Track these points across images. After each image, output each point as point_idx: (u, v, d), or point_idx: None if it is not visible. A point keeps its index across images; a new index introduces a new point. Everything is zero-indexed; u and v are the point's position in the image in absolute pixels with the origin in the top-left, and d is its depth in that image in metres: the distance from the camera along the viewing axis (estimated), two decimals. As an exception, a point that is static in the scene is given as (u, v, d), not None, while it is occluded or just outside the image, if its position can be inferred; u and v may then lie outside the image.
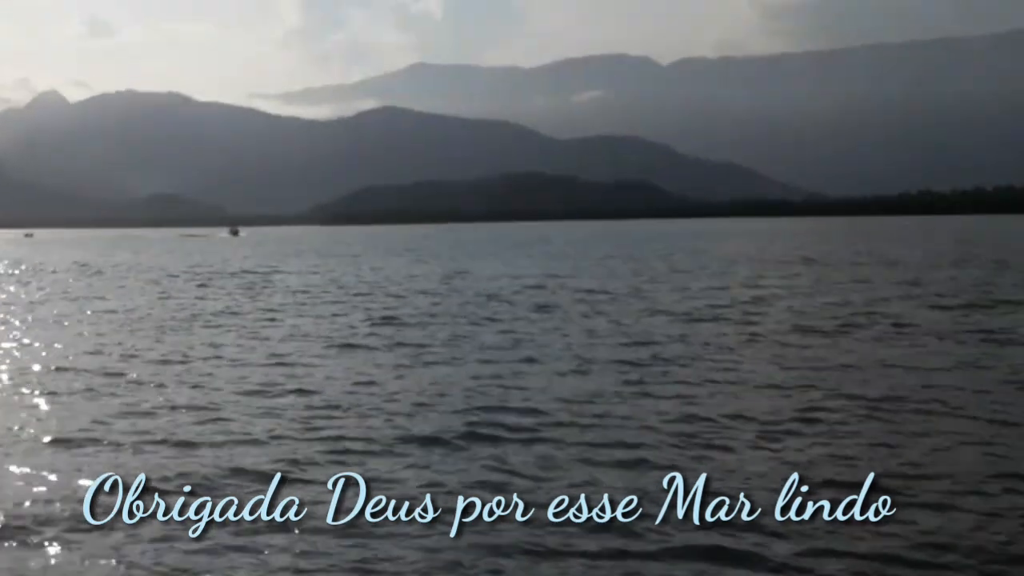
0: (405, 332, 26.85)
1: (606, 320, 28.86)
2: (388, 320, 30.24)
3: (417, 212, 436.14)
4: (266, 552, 9.37)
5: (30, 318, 33.00)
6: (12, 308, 37.28)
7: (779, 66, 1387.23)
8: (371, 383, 18.44)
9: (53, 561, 9.24)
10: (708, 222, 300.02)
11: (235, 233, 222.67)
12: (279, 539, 9.68)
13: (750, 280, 45.22)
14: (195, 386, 18.47)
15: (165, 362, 21.69)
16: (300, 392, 17.56)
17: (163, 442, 13.78)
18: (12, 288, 50.28)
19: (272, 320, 31.06)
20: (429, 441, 13.63)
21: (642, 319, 29.05)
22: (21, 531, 9.96)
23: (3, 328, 29.89)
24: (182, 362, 21.71)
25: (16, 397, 17.71)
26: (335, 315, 32.32)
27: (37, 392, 18.07)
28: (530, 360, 20.91)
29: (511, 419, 14.93)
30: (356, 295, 41.09)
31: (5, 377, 20.08)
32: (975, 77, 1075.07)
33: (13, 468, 12.49)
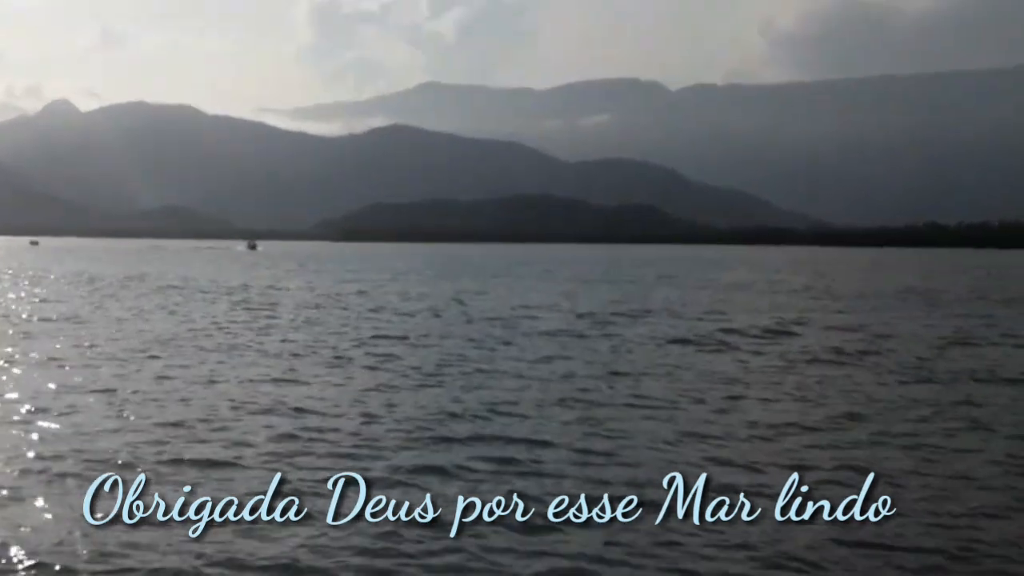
0: (413, 349, 26.92)
1: (613, 339, 28.98)
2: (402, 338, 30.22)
3: (424, 230, 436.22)
4: (266, 552, 9.39)
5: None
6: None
7: (788, 95, 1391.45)
8: (373, 391, 18.52)
9: (53, 562, 9.20)
10: (713, 249, 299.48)
11: (253, 247, 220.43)
12: (279, 539, 9.71)
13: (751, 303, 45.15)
14: (196, 390, 18.60)
15: (165, 370, 21.79)
16: (300, 397, 17.65)
17: (162, 443, 13.82)
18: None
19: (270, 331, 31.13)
20: (430, 441, 13.71)
21: (646, 337, 29.16)
22: (21, 532, 9.96)
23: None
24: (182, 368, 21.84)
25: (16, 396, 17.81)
26: (341, 329, 32.36)
27: (42, 396, 18.12)
28: (533, 373, 21.09)
29: (513, 421, 15.10)
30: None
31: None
32: (983, 111, 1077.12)
33: (10, 468, 12.51)
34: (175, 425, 15.10)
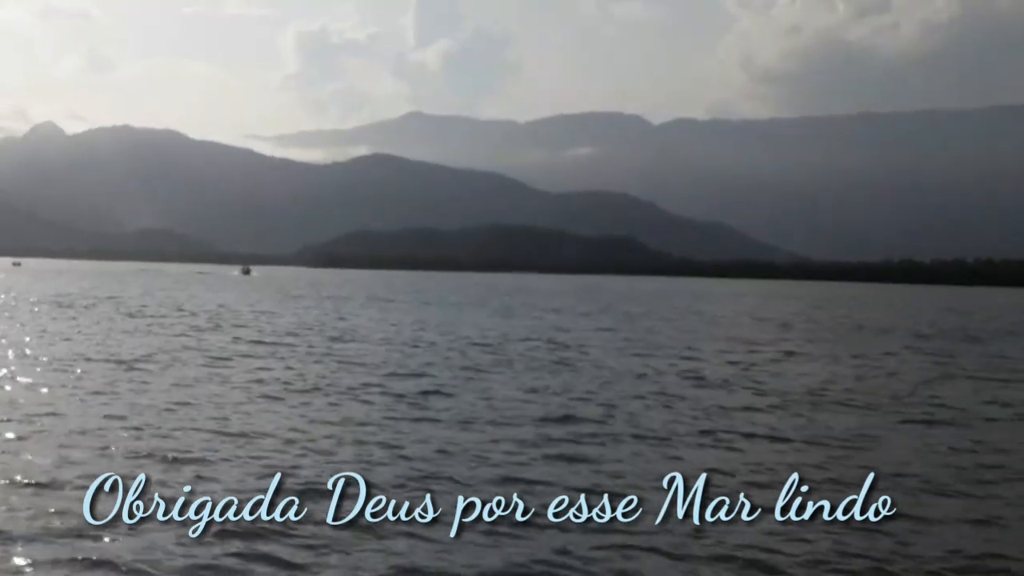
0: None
1: (624, 355, 29.50)
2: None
3: (407, 258, 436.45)
4: (266, 552, 9.42)
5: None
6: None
7: (768, 130, 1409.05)
8: (375, 402, 18.84)
9: (54, 562, 9.17)
10: (690, 281, 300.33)
11: (247, 272, 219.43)
12: (279, 539, 9.74)
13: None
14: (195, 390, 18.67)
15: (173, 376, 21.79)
16: (298, 397, 18.01)
17: (164, 446, 13.92)
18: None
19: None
20: (429, 442, 13.91)
21: (628, 366, 29.58)
22: (21, 532, 9.93)
23: None
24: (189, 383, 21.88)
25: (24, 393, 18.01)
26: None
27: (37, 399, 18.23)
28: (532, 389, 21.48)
29: (511, 424, 15.44)
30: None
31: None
32: (961, 149, 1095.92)
33: (11, 467, 12.55)
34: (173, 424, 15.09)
